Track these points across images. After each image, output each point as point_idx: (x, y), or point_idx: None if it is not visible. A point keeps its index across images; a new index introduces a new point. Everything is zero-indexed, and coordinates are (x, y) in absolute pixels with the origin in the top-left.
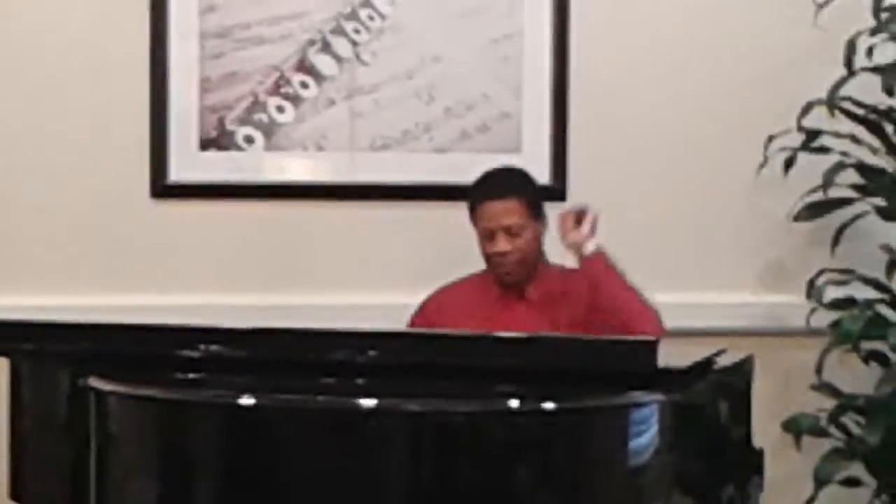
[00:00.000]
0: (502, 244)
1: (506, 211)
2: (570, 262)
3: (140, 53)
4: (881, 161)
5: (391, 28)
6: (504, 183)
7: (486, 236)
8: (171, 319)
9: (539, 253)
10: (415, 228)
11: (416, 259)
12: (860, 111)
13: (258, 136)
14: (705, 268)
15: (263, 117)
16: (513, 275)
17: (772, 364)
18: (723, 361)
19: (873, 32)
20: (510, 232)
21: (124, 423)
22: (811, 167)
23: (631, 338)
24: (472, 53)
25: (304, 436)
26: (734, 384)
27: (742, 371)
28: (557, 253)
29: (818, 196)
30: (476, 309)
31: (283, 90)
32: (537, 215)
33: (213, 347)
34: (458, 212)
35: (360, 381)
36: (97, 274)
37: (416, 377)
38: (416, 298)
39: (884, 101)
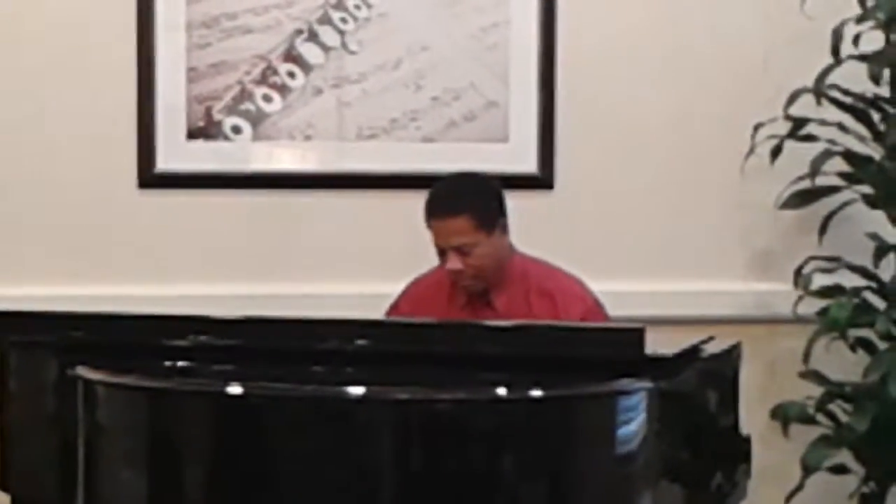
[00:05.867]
0: (454, 263)
1: (453, 230)
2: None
3: (127, 44)
4: (868, 149)
5: (378, 17)
6: (450, 198)
7: (439, 253)
8: (159, 309)
9: (500, 261)
10: (402, 218)
11: (404, 248)
12: (847, 99)
13: (245, 126)
14: (693, 256)
15: (251, 107)
16: (471, 287)
17: (759, 352)
18: (710, 349)
19: (860, 20)
20: (461, 251)
21: (112, 413)
22: (798, 155)
23: (618, 325)
24: (460, 42)
25: (293, 424)
26: (722, 372)
27: (730, 359)
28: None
29: (805, 184)
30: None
31: (270, 80)
32: (491, 228)
33: (201, 337)
34: None
35: (348, 369)
36: (85, 264)
37: (404, 366)
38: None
39: (870, 89)
